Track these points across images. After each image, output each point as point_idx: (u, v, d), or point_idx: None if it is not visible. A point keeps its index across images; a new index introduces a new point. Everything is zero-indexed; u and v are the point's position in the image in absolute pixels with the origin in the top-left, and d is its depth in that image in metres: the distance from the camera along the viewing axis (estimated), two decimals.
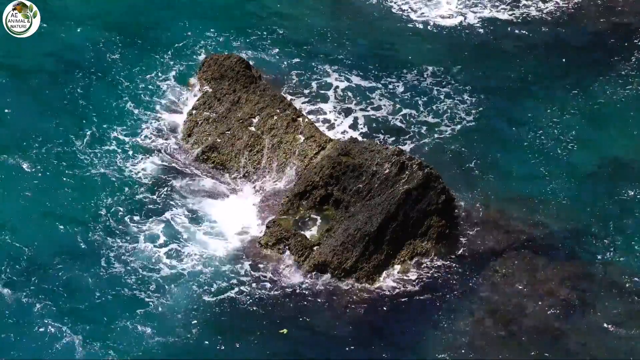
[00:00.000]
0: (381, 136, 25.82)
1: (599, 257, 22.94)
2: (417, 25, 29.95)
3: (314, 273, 22.44)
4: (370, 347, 21.12)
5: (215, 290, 22.11)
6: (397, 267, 22.75)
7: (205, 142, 25.37)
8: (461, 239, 23.25)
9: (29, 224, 23.20)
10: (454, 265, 22.73)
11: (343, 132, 25.91)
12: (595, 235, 23.41)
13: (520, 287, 22.28)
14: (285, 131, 25.11)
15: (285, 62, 28.25)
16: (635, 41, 29.36)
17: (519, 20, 30.25)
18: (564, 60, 28.84)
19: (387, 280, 22.41)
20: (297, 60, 28.36)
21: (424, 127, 26.24)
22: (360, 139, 24.86)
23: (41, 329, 20.99)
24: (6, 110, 26.23)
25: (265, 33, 29.32)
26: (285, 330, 21.46)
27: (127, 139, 25.50)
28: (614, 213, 24.01)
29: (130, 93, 26.86)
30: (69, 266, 22.33)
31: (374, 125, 26.16)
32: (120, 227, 23.26)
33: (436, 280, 22.40)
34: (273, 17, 30.07)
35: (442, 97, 27.31)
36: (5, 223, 23.15)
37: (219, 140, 25.26)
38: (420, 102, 27.10)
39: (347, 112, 26.64)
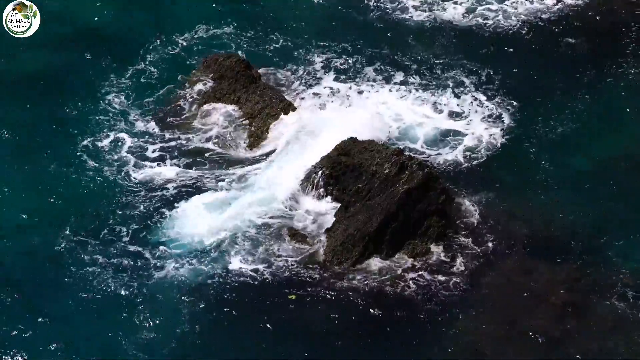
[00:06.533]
0: (382, 137, 25.79)
1: (599, 258, 22.87)
2: (423, 24, 30.04)
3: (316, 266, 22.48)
4: (369, 346, 21.09)
5: (214, 275, 22.14)
6: (397, 267, 22.72)
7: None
8: (461, 239, 23.21)
9: (30, 224, 23.28)
10: (453, 265, 22.70)
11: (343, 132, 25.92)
12: (596, 237, 23.36)
13: (520, 288, 22.24)
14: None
15: (285, 62, 28.25)
16: None
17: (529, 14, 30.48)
18: (573, 56, 29.04)
19: (386, 280, 22.39)
20: (297, 60, 28.37)
21: (424, 126, 26.24)
22: (360, 138, 24.83)
23: (40, 330, 21.01)
24: (6, 110, 26.29)
25: (265, 33, 29.33)
26: (293, 296, 21.46)
27: (126, 138, 25.52)
28: (614, 213, 23.98)
29: (130, 92, 26.89)
30: (59, 267, 22.37)
31: (375, 124, 26.12)
32: (118, 222, 23.29)
33: (435, 280, 22.37)
34: (273, 17, 30.10)
35: (445, 96, 27.30)
36: (4, 223, 23.24)
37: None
38: (423, 100, 27.07)
39: (348, 111, 26.61)
